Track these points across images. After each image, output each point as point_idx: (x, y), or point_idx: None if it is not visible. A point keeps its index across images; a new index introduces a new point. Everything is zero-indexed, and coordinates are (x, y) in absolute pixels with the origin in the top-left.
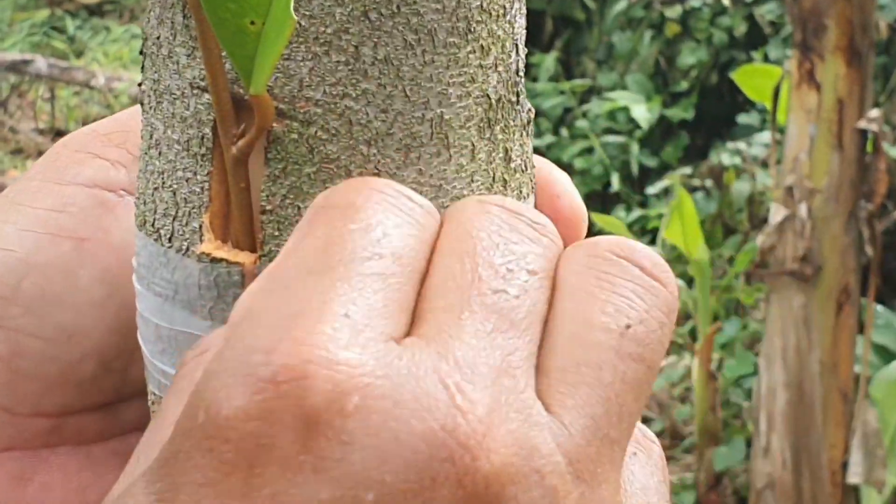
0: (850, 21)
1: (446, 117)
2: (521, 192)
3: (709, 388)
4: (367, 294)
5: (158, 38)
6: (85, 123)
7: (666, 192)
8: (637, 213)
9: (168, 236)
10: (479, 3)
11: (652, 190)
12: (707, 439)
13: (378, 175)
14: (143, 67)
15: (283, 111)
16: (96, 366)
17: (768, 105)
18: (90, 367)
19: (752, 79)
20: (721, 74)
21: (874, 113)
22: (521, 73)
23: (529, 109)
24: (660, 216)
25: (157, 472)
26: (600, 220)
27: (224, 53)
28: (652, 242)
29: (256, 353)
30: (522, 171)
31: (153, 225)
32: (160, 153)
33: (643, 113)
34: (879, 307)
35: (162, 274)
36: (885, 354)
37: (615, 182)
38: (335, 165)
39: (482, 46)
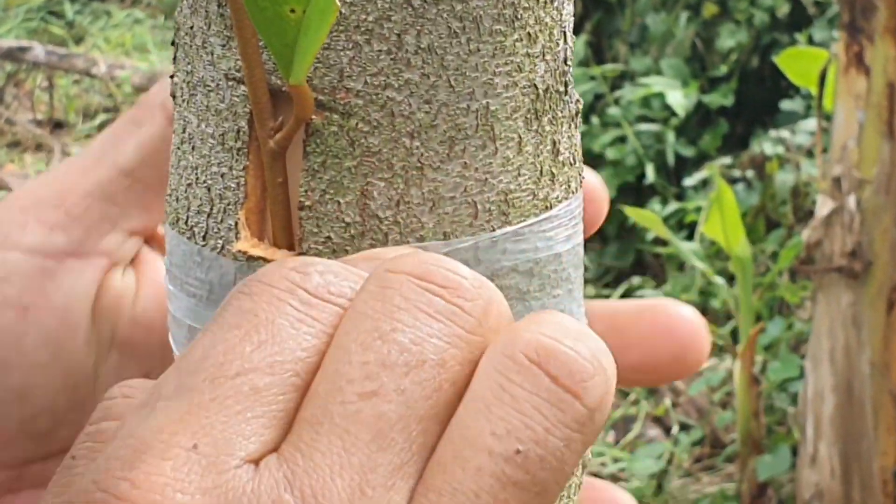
0: None
1: (492, 108)
2: (569, 185)
3: (751, 392)
4: (224, 417)
5: (192, 27)
6: (86, 114)
7: (704, 183)
8: (673, 206)
9: (202, 234)
10: None
11: (689, 181)
12: (750, 447)
13: (421, 169)
14: (174, 58)
15: (322, 102)
16: (50, 421)
17: (814, 90)
18: (44, 422)
19: (797, 63)
20: (762, 58)
21: None
22: (570, 62)
23: (578, 100)
24: (698, 209)
25: None
26: (634, 213)
27: (261, 43)
28: (689, 237)
29: (99, 486)
30: (570, 165)
31: (186, 222)
32: (193, 148)
33: (679, 99)
34: None
35: (195, 273)
36: None
37: (650, 173)
38: (377, 159)
39: (529, 34)
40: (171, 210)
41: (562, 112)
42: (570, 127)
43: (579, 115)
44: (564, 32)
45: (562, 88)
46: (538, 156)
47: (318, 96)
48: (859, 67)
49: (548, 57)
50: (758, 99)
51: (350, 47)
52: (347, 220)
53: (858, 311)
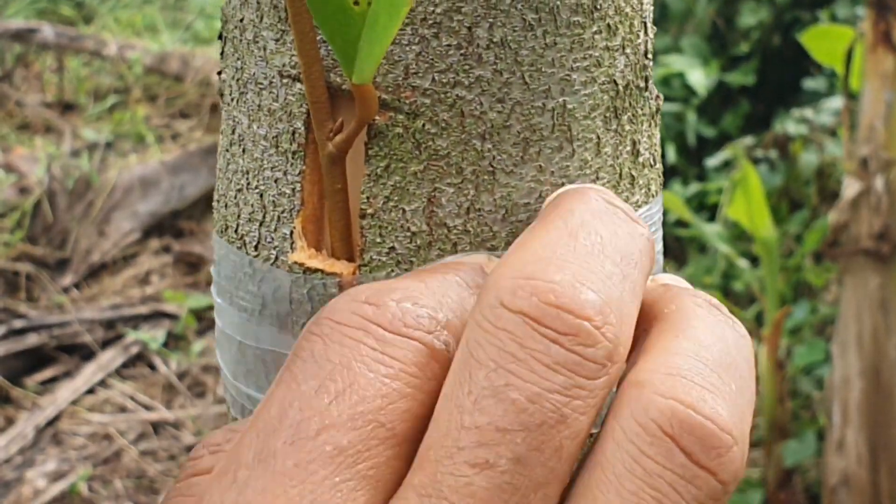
0: None
1: (569, 107)
2: (649, 189)
3: (777, 377)
4: (310, 486)
5: (242, 20)
6: (96, 96)
7: (726, 164)
8: (695, 187)
9: (254, 244)
10: None
11: (711, 162)
12: (775, 433)
13: (493, 173)
14: (222, 53)
15: (386, 102)
16: None
17: (839, 69)
18: None
19: (822, 41)
20: (784, 36)
21: None
22: (650, 56)
23: (658, 96)
24: (720, 190)
25: None
26: None
27: (321, 37)
28: (711, 219)
29: None
30: (651, 166)
31: (236, 231)
32: (244, 150)
33: (700, 79)
34: None
35: (247, 286)
36: None
37: (671, 154)
38: (445, 163)
39: (609, 26)
40: (220, 217)
41: (642, 109)
42: (650, 125)
43: (659, 111)
44: (645, 23)
45: (642, 84)
46: (618, 157)
47: (381, 95)
48: (887, 45)
49: (628, 50)
50: (780, 78)
51: (417, 42)
52: (413, 229)
53: (886, 294)
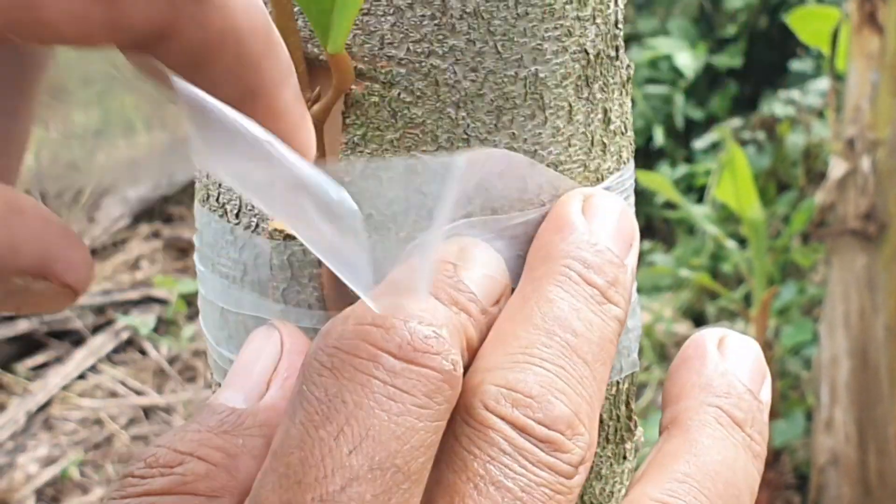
0: None
1: (541, 75)
2: (620, 156)
3: (765, 357)
4: None
5: None
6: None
7: (714, 146)
8: (683, 169)
9: (235, 212)
10: None
11: (699, 144)
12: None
13: (467, 141)
14: None
15: (362, 71)
16: None
17: (825, 50)
18: None
19: (808, 22)
20: (771, 18)
21: None
22: (621, 25)
23: (629, 65)
24: (707, 172)
25: None
26: (643, 177)
27: (297, 9)
28: (700, 200)
29: None
30: (622, 134)
31: (217, 199)
32: None
33: (687, 61)
34: None
35: (228, 253)
36: None
37: (658, 136)
38: (420, 131)
39: None
40: (201, 186)
41: (613, 78)
42: (621, 94)
43: (630, 80)
44: None
45: (613, 53)
46: (589, 125)
47: (357, 65)
48: (872, 26)
49: (598, 20)
50: (767, 59)
51: (391, 12)
52: (390, 195)
53: (873, 274)
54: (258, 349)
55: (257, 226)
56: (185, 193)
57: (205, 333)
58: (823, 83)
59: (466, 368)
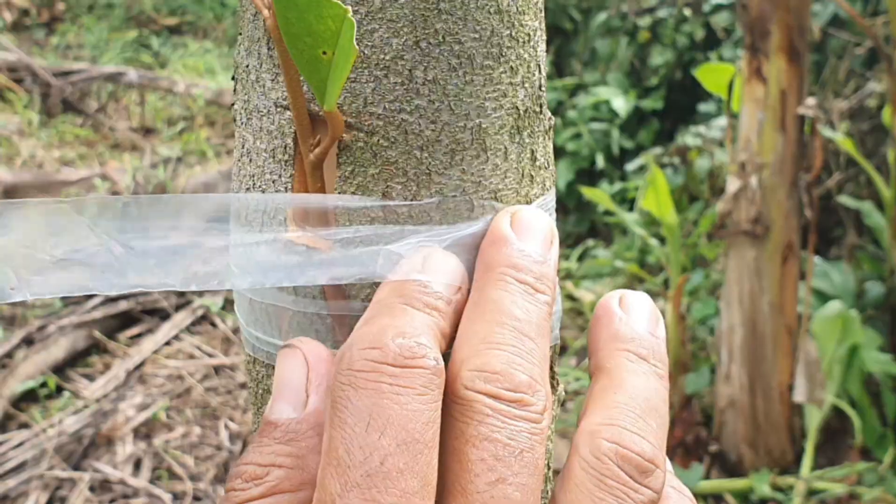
0: (789, 26)
1: (484, 126)
2: (544, 184)
3: (679, 326)
4: (392, 499)
5: (248, 66)
6: (169, 122)
7: (641, 168)
8: (618, 185)
9: (258, 228)
10: (508, 32)
11: (630, 167)
12: (679, 368)
13: (429, 174)
14: (234, 90)
15: (350, 124)
16: None
17: (724, 96)
18: None
19: (711, 75)
20: (684, 71)
21: (810, 101)
22: (544, 88)
23: (550, 118)
24: (636, 188)
25: None
26: (588, 192)
27: (302, 78)
28: (631, 209)
29: None
30: (545, 168)
31: (246, 218)
32: (251, 160)
33: (621, 104)
34: (817, 259)
35: (254, 260)
36: (821, 297)
37: (600, 161)
38: (394, 167)
39: (512, 67)
40: (234, 210)
41: (538, 127)
42: (545, 139)
43: (552, 129)
44: (539, 65)
45: (537, 109)
46: (520, 162)
47: (347, 119)
48: (759, 78)
49: (526, 85)
50: (681, 103)
51: (372, 80)
52: (372, 214)
53: (760, 264)
54: (291, 367)
55: (275, 238)
56: None
57: (238, 316)
58: (722, 121)
59: (446, 355)
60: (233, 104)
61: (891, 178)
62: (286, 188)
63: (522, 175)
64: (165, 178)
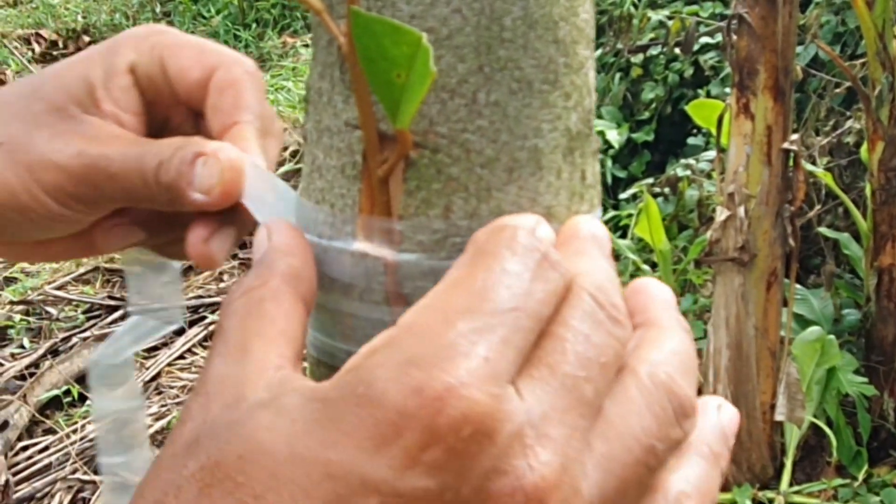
0: (775, 67)
1: (540, 146)
2: (592, 203)
3: None
4: (503, 343)
5: (320, 89)
6: None
7: (634, 197)
8: (612, 213)
9: (328, 237)
10: (564, 60)
11: (623, 196)
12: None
13: (488, 191)
14: (306, 112)
15: (417, 142)
16: None
17: (713, 130)
18: None
19: (701, 110)
20: (674, 106)
21: (794, 137)
22: (593, 112)
23: (597, 140)
24: (629, 216)
25: (310, 407)
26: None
27: (374, 99)
28: (623, 236)
29: (415, 368)
30: (593, 187)
31: (315, 228)
32: (320, 175)
33: (615, 136)
34: (798, 286)
35: (321, 268)
36: (802, 322)
37: None
38: (456, 183)
39: (566, 93)
40: (304, 220)
41: (588, 149)
42: (593, 159)
43: (598, 150)
44: (590, 91)
45: (587, 132)
46: (571, 181)
47: (414, 138)
48: (746, 114)
49: (578, 109)
50: (671, 136)
51: (438, 102)
52: (434, 227)
53: (746, 289)
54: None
55: (342, 248)
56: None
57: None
58: (711, 154)
59: None
60: (304, 124)
61: (867, 210)
62: (354, 201)
63: (573, 193)
64: None
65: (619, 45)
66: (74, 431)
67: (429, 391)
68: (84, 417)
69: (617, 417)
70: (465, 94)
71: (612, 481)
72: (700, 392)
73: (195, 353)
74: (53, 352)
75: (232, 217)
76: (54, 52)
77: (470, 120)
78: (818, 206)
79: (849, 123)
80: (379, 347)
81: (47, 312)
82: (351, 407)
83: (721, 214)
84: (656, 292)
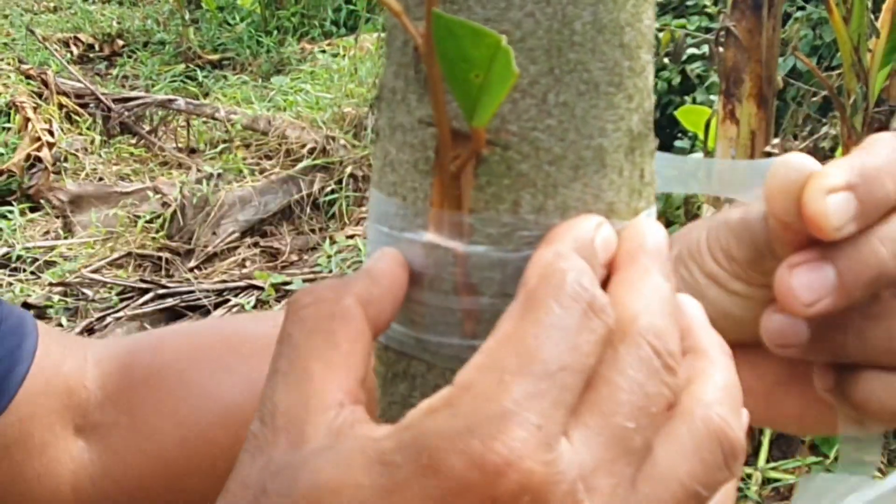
0: (759, 76)
1: (604, 145)
2: (649, 199)
3: None
4: (554, 406)
5: (394, 87)
6: (211, 144)
7: None
8: None
9: (399, 228)
10: (628, 63)
11: None
12: None
13: (555, 187)
14: (379, 109)
15: (489, 139)
16: None
17: (700, 134)
18: None
19: (690, 115)
20: (662, 112)
21: (775, 141)
22: (651, 114)
23: (654, 140)
24: None
25: (376, 471)
26: None
27: (448, 97)
28: None
29: (475, 439)
30: (650, 185)
31: (386, 220)
32: (393, 170)
33: None
34: None
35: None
36: None
37: None
38: (525, 179)
39: (629, 95)
40: (376, 212)
41: (647, 148)
42: (651, 158)
43: (654, 150)
44: (650, 93)
45: (647, 132)
46: (631, 179)
47: (487, 136)
48: (732, 120)
49: (640, 110)
50: (660, 139)
51: (509, 101)
52: (504, 220)
53: None
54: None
55: (413, 239)
56: (275, 217)
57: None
58: (697, 156)
59: None
60: (377, 120)
61: None
62: (425, 195)
63: (633, 190)
64: (207, 191)
65: None
66: None
67: (489, 465)
68: None
69: (664, 460)
70: (536, 95)
71: None
72: None
73: None
74: (89, 330)
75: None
76: (91, 55)
77: (540, 119)
78: None
79: (825, 129)
80: (439, 408)
81: (84, 294)
82: (416, 477)
83: (706, 212)
84: (694, 312)
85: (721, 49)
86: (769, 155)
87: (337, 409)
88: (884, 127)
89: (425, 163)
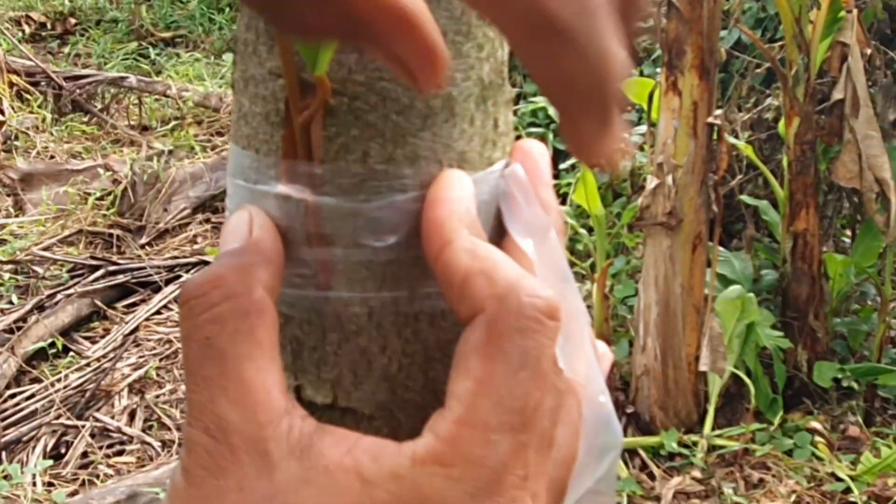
0: (701, 48)
1: (453, 94)
2: (504, 150)
3: (603, 305)
4: (537, 453)
5: (246, 39)
6: (163, 121)
7: (573, 167)
8: (552, 182)
9: (253, 180)
10: (476, 12)
11: (563, 166)
12: (603, 341)
13: (404, 136)
14: (234, 62)
15: (336, 90)
16: None
17: (644, 106)
18: None
19: (633, 88)
20: None
21: (718, 112)
22: (505, 63)
23: (511, 89)
24: (569, 184)
25: None
26: None
27: (295, 49)
28: (564, 202)
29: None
30: (506, 135)
31: (242, 172)
32: (247, 122)
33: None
34: (721, 249)
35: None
36: (725, 281)
37: None
38: (373, 129)
39: (479, 44)
40: (232, 165)
41: (501, 98)
42: (506, 108)
43: (512, 99)
44: (503, 42)
45: (500, 81)
46: (484, 128)
47: (333, 86)
48: (675, 91)
49: (491, 59)
50: None
51: (355, 51)
52: (353, 170)
53: (673, 251)
54: (237, 219)
55: (266, 190)
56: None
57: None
58: (643, 128)
59: None
60: (232, 74)
61: (784, 180)
62: (277, 147)
63: (486, 140)
64: (158, 168)
65: None
66: (59, 381)
67: None
68: (67, 367)
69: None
70: None
71: None
72: (631, 344)
73: (170, 310)
74: (40, 307)
75: None
76: (42, 33)
77: (386, 69)
78: (740, 176)
79: (768, 101)
80: (427, 462)
81: (34, 271)
82: None
83: (651, 183)
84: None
85: (663, 21)
86: (712, 126)
87: (287, 417)
88: (826, 98)
89: (276, 115)
